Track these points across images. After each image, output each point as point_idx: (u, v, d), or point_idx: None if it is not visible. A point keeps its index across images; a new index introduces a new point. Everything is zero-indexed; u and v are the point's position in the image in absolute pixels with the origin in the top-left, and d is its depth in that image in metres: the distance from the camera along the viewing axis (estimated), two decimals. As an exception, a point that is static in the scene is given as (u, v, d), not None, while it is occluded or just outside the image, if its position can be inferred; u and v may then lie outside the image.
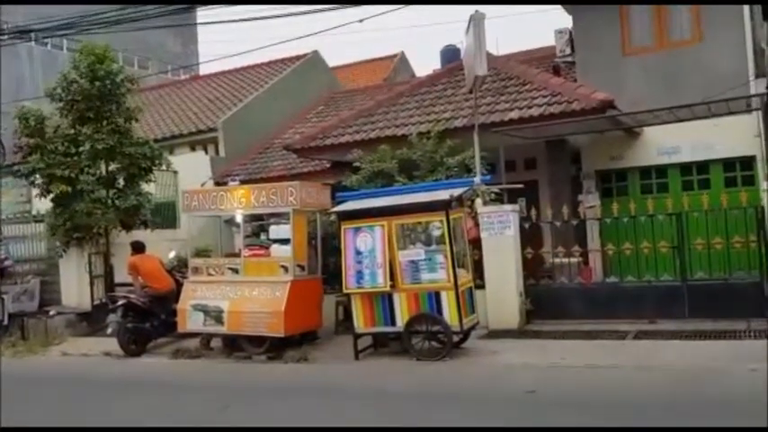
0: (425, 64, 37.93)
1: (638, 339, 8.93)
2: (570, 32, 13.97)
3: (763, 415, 5.58)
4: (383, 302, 8.99)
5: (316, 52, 20.61)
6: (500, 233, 10.25)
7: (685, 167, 12.40)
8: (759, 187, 10.12)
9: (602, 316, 9.82)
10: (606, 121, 11.46)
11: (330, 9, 12.07)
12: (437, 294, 8.77)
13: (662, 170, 12.60)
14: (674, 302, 9.56)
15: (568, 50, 14.08)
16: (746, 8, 11.87)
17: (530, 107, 11.98)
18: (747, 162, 11.87)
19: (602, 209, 11.82)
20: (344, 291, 9.32)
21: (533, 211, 10.55)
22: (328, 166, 14.76)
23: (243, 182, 13.43)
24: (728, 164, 12.10)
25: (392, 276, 8.89)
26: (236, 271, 10.31)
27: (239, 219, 10.87)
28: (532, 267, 10.66)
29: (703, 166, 12.27)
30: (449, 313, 8.70)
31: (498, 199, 10.81)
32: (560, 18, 14.39)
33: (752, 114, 11.26)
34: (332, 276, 10.51)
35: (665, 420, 5.67)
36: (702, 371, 7.25)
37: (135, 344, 10.88)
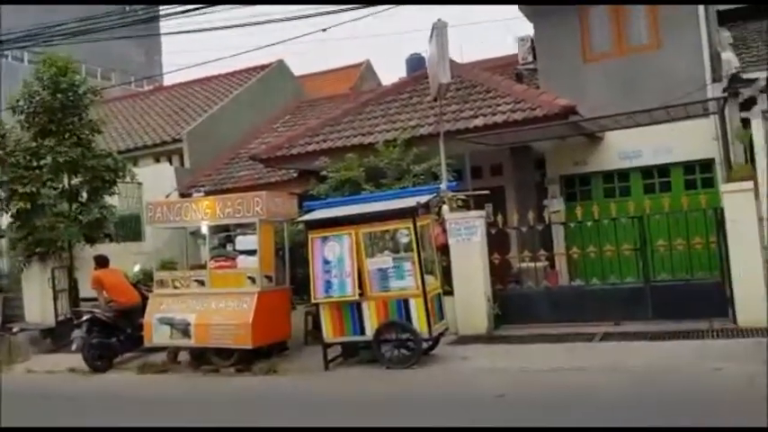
0: (392, 72, 38.07)
1: (605, 341, 9.04)
2: (532, 40, 14.17)
3: (727, 413, 5.71)
4: (352, 311, 8.98)
5: (281, 61, 20.56)
6: (467, 239, 10.32)
7: (647, 171, 12.63)
8: (718, 189, 10.34)
9: (569, 319, 9.92)
10: (568, 126, 11.64)
11: (307, 16, 12.05)
12: (406, 302, 8.79)
13: (624, 174, 12.82)
14: (639, 304, 9.70)
15: (530, 58, 14.30)
16: (702, 14, 12.17)
17: (494, 114, 12.10)
18: (706, 165, 12.12)
19: (566, 213, 11.98)
20: (313, 300, 9.29)
21: (500, 217, 10.64)
22: (295, 175, 14.72)
23: (209, 193, 13.33)
24: (688, 167, 12.35)
25: (360, 285, 8.88)
26: (202, 283, 10.20)
27: (205, 230, 10.76)
28: (500, 272, 10.74)
29: (664, 170, 12.50)
30: (418, 320, 8.72)
31: (465, 205, 10.88)
32: (523, 26, 14.65)
33: (710, 118, 11.51)
34: (300, 286, 10.46)
35: (632, 421, 5.72)
36: (667, 371, 7.37)
37: (100, 359, 10.68)
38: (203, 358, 10.06)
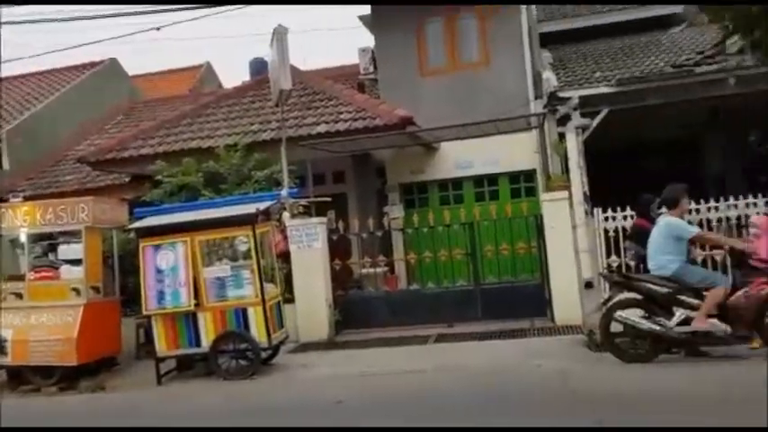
0: (235, 75, 37.21)
1: (439, 343, 9.42)
2: (373, 51, 14.53)
3: (547, 407, 6.17)
4: (187, 322, 8.66)
5: (113, 60, 19.41)
6: (308, 246, 10.35)
7: (478, 180, 13.43)
8: (539, 198, 11.17)
9: (407, 322, 10.25)
10: (407, 136, 12.07)
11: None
12: (244, 311, 8.62)
13: (458, 183, 13.53)
14: (469, 306, 10.22)
15: (372, 68, 14.66)
16: (526, 36, 13.15)
17: (336, 122, 12.29)
18: (529, 175, 13.12)
19: (405, 220, 12.39)
20: (144, 312, 8.85)
21: (341, 223, 10.78)
22: (127, 180, 14.00)
23: (30, 198, 12.21)
24: (514, 176, 13.30)
25: (196, 295, 8.61)
26: (20, 296, 9.38)
27: (24, 238, 9.89)
28: (342, 278, 10.87)
29: (493, 179, 13.36)
30: (257, 329, 8.59)
31: (307, 212, 10.91)
32: (366, 36, 15.00)
33: (532, 132, 12.45)
34: (132, 297, 9.93)
35: (468, 420, 5.96)
36: (495, 369, 7.81)
37: None
38: (23, 377, 9.24)
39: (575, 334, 8.95)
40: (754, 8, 10.38)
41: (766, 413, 5.02)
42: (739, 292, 7.07)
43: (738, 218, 8.53)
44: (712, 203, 8.75)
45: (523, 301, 10.00)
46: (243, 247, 8.88)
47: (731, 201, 8.72)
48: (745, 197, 8.70)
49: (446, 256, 10.58)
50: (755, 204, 8.61)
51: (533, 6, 13.91)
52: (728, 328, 7.08)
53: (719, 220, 8.62)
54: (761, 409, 5.23)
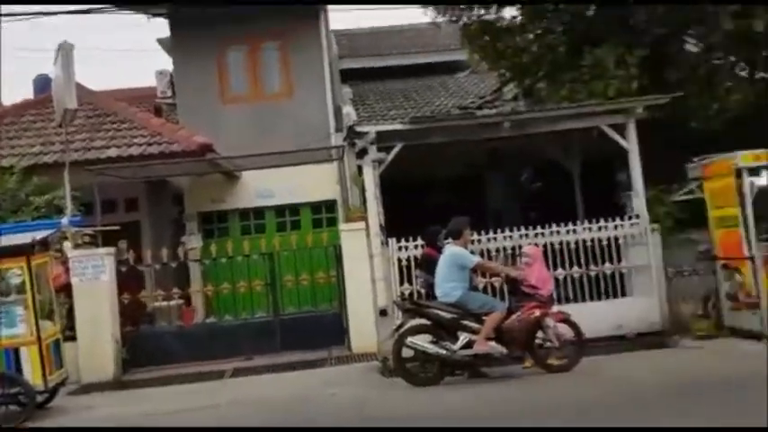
0: (18, 93, 33.81)
1: (236, 377, 9.24)
2: (172, 75, 14.09)
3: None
4: (-55, 366, 7.65)
5: None
6: (94, 278, 9.72)
7: (280, 210, 13.49)
8: (339, 228, 11.45)
9: (204, 357, 9.92)
10: (206, 164, 11.84)
11: None
12: (16, 351, 7.86)
13: (260, 212, 13.49)
14: (269, 338, 10.16)
15: (170, 92, 14.20)
16: (327, 70, 13.57)
17: (129, 146, 11.78)
18: (331, 205, 13.45)
19: (203, 250, 12.04)
20: None
21: (131, 254, 10.20)
22: None
23: None
24: (315, 207, 13.55)
25: (-43, 335, 7.64)
26: None
27: None
28: (133, 313, 10.31)
29: (295, 209, 13.51)
30: (31, 371, 7.85)
31: (93, 242, 10.20)
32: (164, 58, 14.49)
33: (333, 164, 12.80)
34: None
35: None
36: (291, 400, 7.81)
37: None
38: None
39: (370, 361, 9.22)
40: (525, 59, 11.71)
41: (766, 413, 5.14)
42: (513, 316, 7.77)
43: (513, 248, 9.33)
44: (491, 235, 9.51)
45: (322, 331, 10.17)
46: (16, 281, 8.09)
47: (507, 232, 9.54)
48: (519, 229, 9.59)
49: (245, 287, 10.45)
50: (527, 236, 9.50)
51: (334, 42, 14.41)
52: (504, 350, 7.74)
53: (497, 250, 9.37)
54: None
